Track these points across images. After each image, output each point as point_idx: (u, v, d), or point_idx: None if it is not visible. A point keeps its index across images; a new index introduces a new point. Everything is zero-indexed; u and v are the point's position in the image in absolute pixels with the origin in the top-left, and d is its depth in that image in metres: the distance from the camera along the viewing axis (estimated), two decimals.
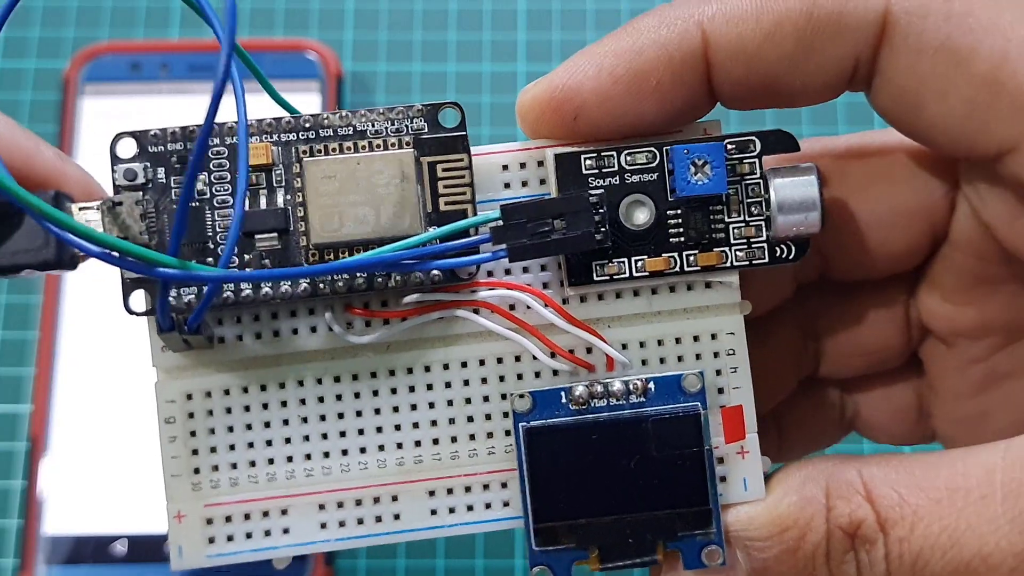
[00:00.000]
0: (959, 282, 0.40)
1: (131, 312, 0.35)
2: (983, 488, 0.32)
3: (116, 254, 0.31)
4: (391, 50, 0.73)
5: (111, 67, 0.69)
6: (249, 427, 0.36)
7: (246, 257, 0.35)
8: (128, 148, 0.35)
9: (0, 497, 0.66)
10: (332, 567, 0.64)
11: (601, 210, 0.35)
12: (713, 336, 0.37)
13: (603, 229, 0.35)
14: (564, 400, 0.36)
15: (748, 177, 0.36)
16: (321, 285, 0.35)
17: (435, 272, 0.35)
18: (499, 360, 0.37)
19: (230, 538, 0.36)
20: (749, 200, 0.36)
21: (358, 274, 0.35)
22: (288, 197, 0.35)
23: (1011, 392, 0.41)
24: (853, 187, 0.39)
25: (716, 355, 0.37)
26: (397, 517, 0.36)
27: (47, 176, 0.38)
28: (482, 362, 0.37)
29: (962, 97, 0.34)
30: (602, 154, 0.36)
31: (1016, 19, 0.33)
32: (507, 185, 0.37)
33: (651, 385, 0.36)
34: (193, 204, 0.35)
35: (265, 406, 0.36)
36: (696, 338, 0.37)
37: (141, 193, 0.35)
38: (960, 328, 0.41)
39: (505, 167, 0.37)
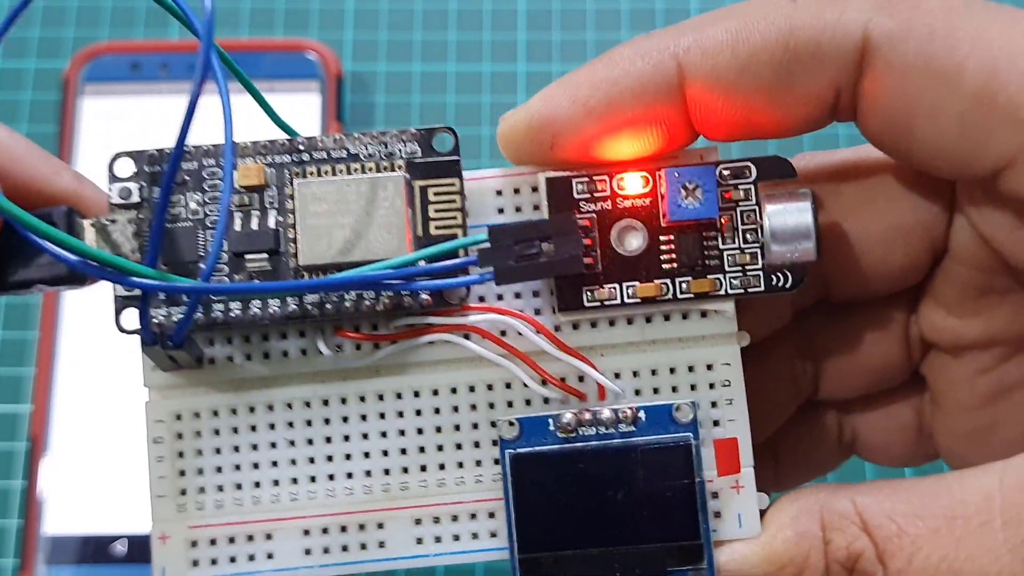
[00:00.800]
0: (963, 295, 0.39)
1: (122, 330, 0.35)
2: (982, 515, 0.31)
3: (95, 264, 0.31)
4: (391, 50, 0.73)
5: (111, 67, 0.70)
6: (237, 449, 0.36)
7: (236, 277, 0.35)
8: (125, 168, 0.35)
9: (0, 497, 0.66)
10: None
11: (593, 234, 0.35)
12: (709, 367, 0.36)
13: (594, 253, 0.35)
14: (552, 427, 0.35)
15: (743, 203, 0.35)
16: (310, 307, 0.35)
17: (424, 297, 0.35)
18: (489, 387, 0.36)
19: (214, 561, 0.36)
20: (744, 227, 0.35)
21: (346, 296, 0.35)
22: (280, 218, 0.35)
23: (1021, 402, 0.39)
24: (850, 206, 0.38)
25: (712, 386, 0.36)
26: (382, 544, 0.36)
27: (64, 199, 0.38)
28: (472, 388, 0.36)
29: (953, 116, 0.33)
30: (594, 178, 0.35)
31: (1002, 31, 0.32)
32: (500, 210, 0.37)
33: (641, 414, 0.35)
34: (185, 224, 0.35)
35: (253, 428, 0.36)
36: (691, 368, 0.36)
37: (136, 212, 0.35)
38: (966, 341, 0.39)
39: (499, 192, 0.37)
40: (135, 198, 0.35)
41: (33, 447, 0.65)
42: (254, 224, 0.35)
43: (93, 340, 0.66)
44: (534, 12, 0.74)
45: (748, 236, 0.35)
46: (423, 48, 0.74)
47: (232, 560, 0.36)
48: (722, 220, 0.35)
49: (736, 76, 0.34)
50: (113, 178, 0.35)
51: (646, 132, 0.35)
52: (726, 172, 0.35)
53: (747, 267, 0.35)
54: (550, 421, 0.35)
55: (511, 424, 0.35)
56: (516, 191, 0.37)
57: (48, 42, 0.75)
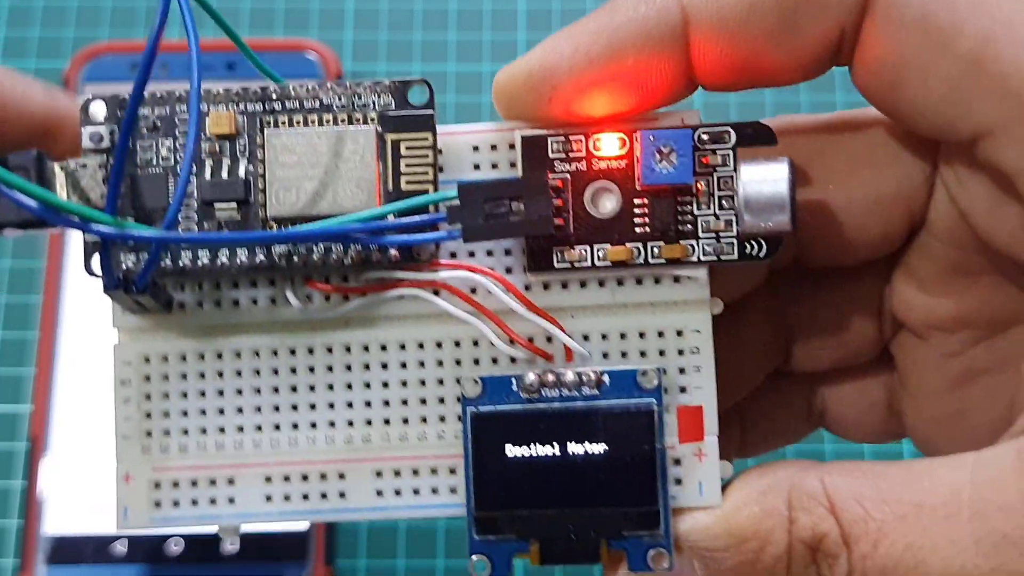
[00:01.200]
0: (936, 271, 0.38)
1: (91, 273, 0.35)
2: (949, 506, 0.31)
3: (56, 211, 0.31)
4: (391, 50, 0.73)
5: (111, 67, 0.70)
6: (203, 394, 0.36)
7: (206, 225, 0.35)
8: (98, 111, 0.35)
9: (0, 497, 0.66)
10: (332, 567, 0.64)
11: (565, 195, 0.35)
12: (679, 333, 0.36)
13: (566, 215, 0.35)
14: (515, 387, 0.35)
15: (720, 169, 0.35)
16: (278, 258, 0.35)
17: (393, 252, 0.35)
18: (456, 344, 0.36)
19: (176, 503, 0.36)
20: (720, 193, 0.35)
21: (314, 248, 0.35)
22: (251, 168, 0.35)
23: (989, 388, 0.38)
24: (832, 170, 0.37)
25: (680, 352, 0.36)
26: (343, 495, 0.36)
27: (39, 117, 0.38)
28: (439, 344, 0.36)
29: (942, 76, 0.32)
30: (570, 138, 0.35)
31: (1004, 1, 0.31)
32: (476, 167, 0.36)
33: (605, 378, 0.35)
34: (155, 171, 0.35)
35: (220, 374, 0.36)
36: (661, 334, 0.36)
37: (106, 157, 0.35)
38: (936, 320, 0.39)
39: (476, 148, 0.36)
40: (106, 143, 0.35)
41: (33, 447, 0.65)
42: (224, 173, 0.35)
43: (93, 340, 0.65)
44: (534, 12, 0.73)
45: (724, 203, 0.35)
46: (423, 48, 0.73)
47: (194, 503, 0.36)
48: (698, 185, 0.34)
49: (742, 19, 0.33)
50: (86, 121, 0.35)
51: (647, 81, 0.35)
52: (705, 136, 0.34)
53: (721, 234, 0.35)
54: (513, 381, 0.35)
55: (475, 382, 0.35)
56: (493, 147, 0.36)
57: (48, 42, 0.75)
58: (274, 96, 0.35)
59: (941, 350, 0.39)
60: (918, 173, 0.37)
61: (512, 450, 0.34)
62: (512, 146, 0.36)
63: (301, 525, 0.64)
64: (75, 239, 0.68)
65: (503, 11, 0.73)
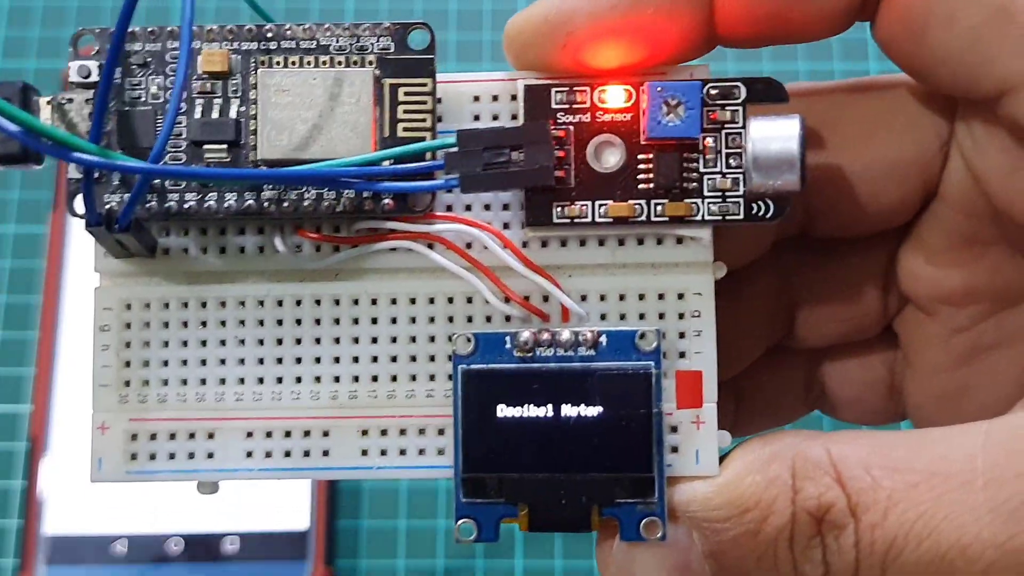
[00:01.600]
0: (946, 242, 0.37)
1: (74, 214, 0.34)
2: (964, 474, 0.29)
3: (37, 137, 0.30)
4: None
5: None
6: (185, 344, 0.35)
7: (194, 166, 0.34)
8: (88, 44, 0.34)
9: (0, 497, 0.66)
10: (332, 567, 0.63)
11: (568, 147, 0.33)
12: (680, 295, 0.34)
13: (567, 167, 0.33)
14: (508, 346, 0.33)
15: (728, 125, 0.33)
16: (267, 203, 0.33)
17: (386, 200, 0.33)
18: (450, 300, 0.35)
19: (153, 456, 0.35)
20: (728, 150, 0.33)
21: (305, 194, 0.33)
22: (242, 109, 0.34)
23: (995, 365, 0.37)
24: (846, 136, 0.36)
25: (681, 316, 0.34)
26: (326, 453, 0.35)
27: None
28: (431, 300, 0.35)
29: (968, 25, 0.31)
30: (574, 88, 0.34)
31: None
32: (477, 117, 0.35)
33: (603, 338, 0.33)
34: (144, 108, 0.34)
35: (204, 324, 0.35)
36: (661, 296, 0.34)
37: (93, 92, 0.34)
38: (944, 294, 0.38)
39: (476, 98, 0.35)
40: (94, 77, 0.34)
41: (33, 447, 0.65)
42: (215, 113, 0.34)
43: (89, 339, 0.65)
44: None
45: (731, 160, 0.33)
46: None
47: (171, 456, 0.35)
48: (704, 141, 0.33)
49: None
50: (74, 55, 0.34)
51: (666, 31, 0.33)
52: (713, 91, 0.33)
53: (727, 193, 0.33)
54: (507, 339, 0.33)
55: (467, 339, 0.34)
56: (494, 98, 0.35)
57: (48, 42, 0.74)
58: (269, 35, 0.34)
59: (948, 325, 0.38)
60: (934, 139, 0.36)
61: (504, 411, 0.33)
62: (514, 97, 0.35)
63: (301, 524, 0.63)
64: (75, 236, 0.68)
65: (503, 11, 0.71)
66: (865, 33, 0.34)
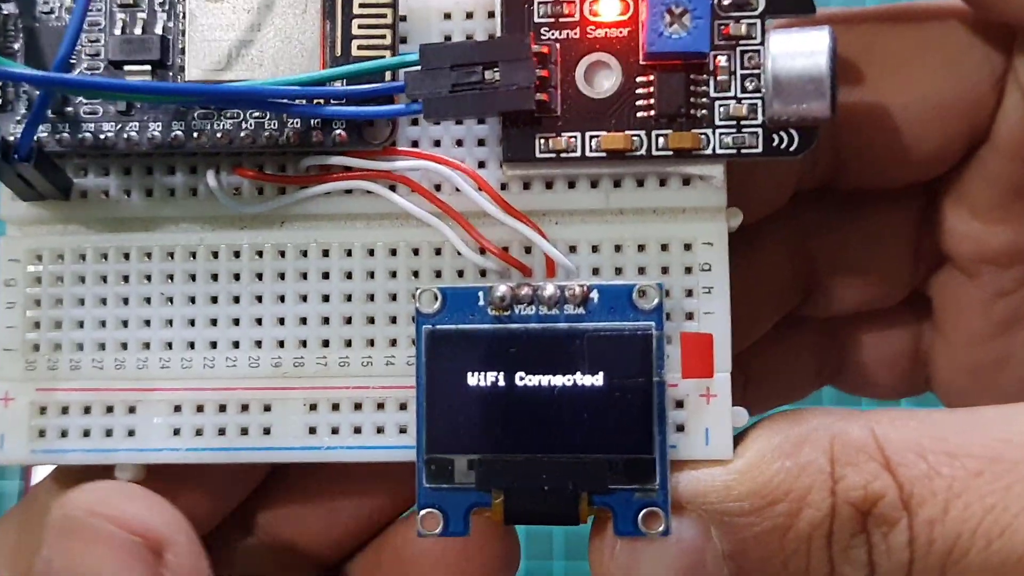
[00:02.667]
0: (994, 195, 0.32)
1: None
2: None
3: None
4: None
5: None
6: (104, 302, 0.30)
7: (106, 79, 0.28)
8: None
9: None
10: None
11: (552, 66, 0.28)
12: (687, 246, 0.29)
13: (552, 90, 0.28)
14: (482, 303, 0.28)
15: (744, 42, 0.28)
16: (196, 134, 0.28)
17: (338, 131, 0.28)
18: (415, 251, 0.30)
19: (64, 433, 0.30)
20: (743, 71, 0.28)
21: (243, 123, 0.28)
22: (169, 24, 0.29)
23: None
24: (884, 69, 0.31)
25: (688, 270, 0.29)
26: (267, 432, 0.29)
27: None
28: (393, 251, 0.30)
29: None
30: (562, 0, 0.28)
31: None
32: (448, 38, 0.30)
33: (594, 294, 0.28)
34: (56, 23, 0.29)
35: (125, 279, 0.30)
36: (664, 247, 0.29)
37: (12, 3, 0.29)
38: (989, 252, 0.33)
39: (447, 16, 0.30)
40: None
41: None
42: (137, 29, 0.29)
43: None
44: None
45: (747, 84, 0.28)
46: None
47: (86, 434, 0.29)
48: (715, 60, 0.28)
49: None
50: None
51: None
52: (726, 1, 0.28)
53: (743, 121, 0.28)
54: (480, 295, 0.28)
55: (434, 296, 0.28)
56: (468, 15, 0.30)
57: None
58: None
59: (989, 288, 0.33)
60: (987, 75, 0.31)
61: (475, 379, 0.28)
62: (492, 14, 0.29)
63: None
64: None
65: None
66: None
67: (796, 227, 0.35)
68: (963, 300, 0.34)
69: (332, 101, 0.28)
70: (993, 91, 0.31)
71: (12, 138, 0.28)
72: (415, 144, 0.30)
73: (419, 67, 0.27)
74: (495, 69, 0.27)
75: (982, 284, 0.34)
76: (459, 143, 0.30)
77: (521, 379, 0.28)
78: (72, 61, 0.29)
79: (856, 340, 0.37)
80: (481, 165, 0.29)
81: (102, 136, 0.28)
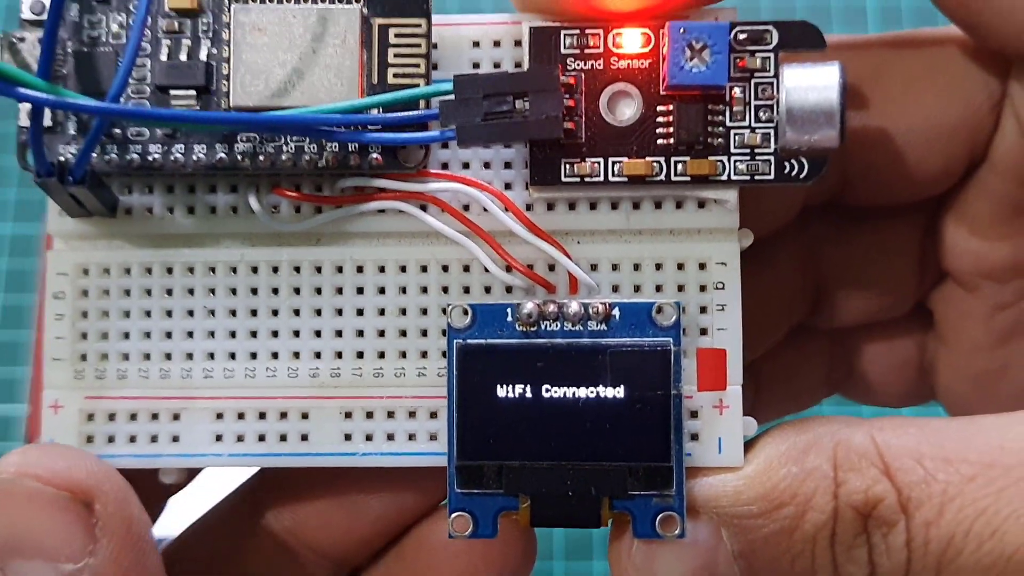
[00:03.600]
0: (993, 213, 0.34)
1: (25, 167, 0.30)
2: None
3: None
4: None
5: None
6: (148, 314, 0.31)
7: (158, 108, 0.30)
8: None
9: None
10: None
11: (578, 96, 0.30)
12: (701, 266, 0.31)
13: (577, 119, 0.30)
14: (510, 319, 0.30)
15: (759, 74, 0.30)
16: (240, 157, 0.30)
17: (374, 156, 0.30)
18: (445, 268, 0.31)
19: (111, 439, 0.31)
20: (757, 102, 0.30)
21: (283, 147, 0.30)
22: (214, 51, 0.30)
23: None
24: (888, 94, 0.33)
25: (703, 288, 0.31)
26: (305, 438, 0.31)
27: None
28: (424, 268, 0.31)
29: None
30: (586, 31, 0.30)
31: None
32: (476, 65, 0.31)
33: (615, 312, 0.30)
34: (104, 49, 0.30)
35: (169, 292, 0.31)
36: (680, 266, 0.31)
37: None
38: (988, 268, 0.35)
39: (476, 43, 0.31)
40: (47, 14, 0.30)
41: None
42: (183, 55, 0.30)
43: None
44: None
45: (761, 113, 0.30)
46: None
47: (132, 440, 0.31)
48: (732, 92, 0.30)
49: None
50: None
51: None
52: (742, 36, 0.30)
53: (756, 150, 0.30)
54: (509, 311, 0.30)
55: (464, 311, 0.30)
56: (496, 43, 0.31)
57: None
58: None
59: (989, 301, 0.35)
60: (985, 99, 0.33)
61: (503, 391, 0.29)
62: (518, 43, 0.31)
63: None
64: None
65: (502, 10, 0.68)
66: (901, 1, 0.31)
67: (805, 241, 0.37)
68: (964, 312, 0.36)
69: (370, 128, 0.29)
70: (991, 115, 0.33)
71: (63, 158, 0.30)
72: (445, 166, 0.31)
73: (453, 96, 0.29)
74: (525, 99, 0.29)
75: (982, 297, 0.35)
76: (487, 165, 0.31)
77: (547, 391, 0.29)
78: None
79: (863, 349, 0.38)
80: (508, 186, 0.31)
81: (149, 158, 0.30)
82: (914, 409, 0.40)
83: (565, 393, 0.29)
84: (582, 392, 0.29)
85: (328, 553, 0.35)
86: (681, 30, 0.29)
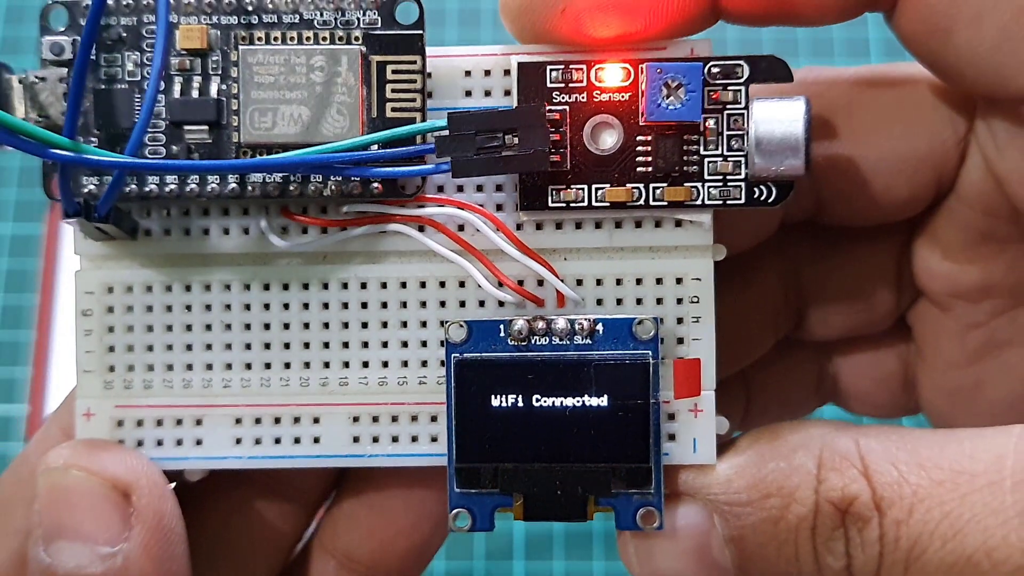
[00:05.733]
0: (962, 239, 0.36)
1: (51, 197, 0.33)
2: (991, 474, 0.29)
3: (12, 133, 0.29)
4: None
5: None
6: (169, 328, 0.34)
7: (174, 148, 0.32)
8: (59, 19, 0.32)
9: None
10: None
11: (563, 129, 0.32)
12: (678, 280, 0.33)
13: (563, 150, 0.32)
14: (503, 334, 0.33)
15: (730, 106, 0.32)
16: (251, 187, 0.32)
17: (375, 184, 0.32)
18: (441, 284, 0.34)
19: (140, 443, 0.34)
20: (729, 132, 0.32)
21: (291, 178, 0.32)
22: (223, 87, 0.32)
23: (1009, 361, 0.37)
24: (859, 126, 0.35)
25: (680, 301, 0.33)
26: (317, 440, 0.34)
27: None
28: (423, 284, 0.34)
29: (997, 24, 0.30)
30: (570, 66, 0.32)
31: None
32: (468, 93, 0.33)
33: (599, 327, 0.33)
34: (121, 86, 0.32)
35: (188, 307, 0.34)
36: (659, 280, 0.33)
37: (67, 70, 0.32)
38: (959, 289, 0.37)
39: (468, 73, 0.33)
40: (68, 54, 0.32)
41: None
42: (194, 92, 0.32)
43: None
44: None
45: (733, 143, 0.32)
46: None
47: (159, 444, 0.34)
48: (706, 124, 0.32)
49: None
50: (45, 30, 0.32)
51: (667, 1, 0.32)
52: (715, 70, 0.32)
53: (728, 177, 0.32)
54: (501, 327, 0.33)
55: (460, 326, 0.33)
56: (486, 73, 0.33)
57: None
58: (250, 8, 0.32)
59: (962, 321, 0.37)
60: (951, 135, 0.35)
61: (497, 400, 0.32)
62: (507, 72, 0.33)
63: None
64: (70, 237, 0.66)
65: None
66: (867, 32, 0.33)
67: (787, 258, 0.39)
68: (939, 330, 0.38)
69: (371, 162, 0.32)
70: (957, 149, 0.35)
71: (87, 189, 0.32)
72: (441, 189, 0.33)
73: (447, 132, 0.31)
74: (515, 134, 0.31)
75: (955, 316, 0.37)
76: (479, 188, 0.33)
77: (537, 400, 0.32)
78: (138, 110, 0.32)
79: (849, 363, 0.41)
80: (499, 208, 0.33)
81: (167, 188, 0.32)
82: (913, 420, 0.42)
83: (554, 402, 0.32)
84: (569, 401, 0.32)
85: (367, 565, 0.37)
86: (658, 70, 0.31)
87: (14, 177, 0.68)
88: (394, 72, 0.32)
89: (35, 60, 0.68)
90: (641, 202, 0.32)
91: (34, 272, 0.67)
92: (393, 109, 0.32)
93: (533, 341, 0.33)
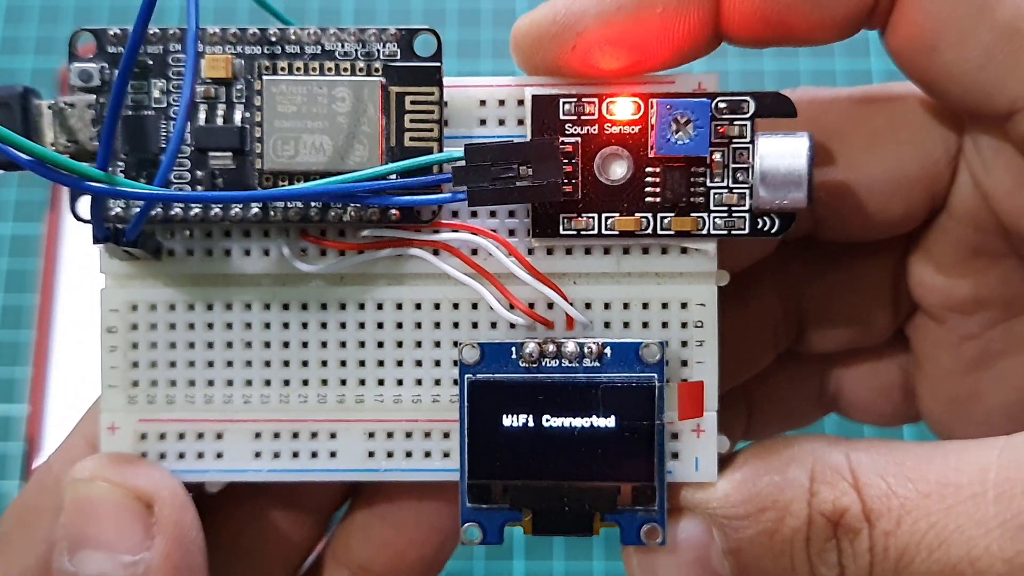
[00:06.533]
0: (955, 254, 0.37)
1: (78, 218, 0.34)
2: (974, 486, 0.30)
3: (48, 167, 0.30)
4: None
5: None
6: (191, 345, 0.35)
7: (198, 174, 0.33)
8: (87, 46, 0.33)
9: None
10: None
11: (575, 160, 0.33)
12: (683, 305, 0.35)
13: (575, 181, 0.33)
14: (514, 356, 0.34)
15: (736, 140, 0.33)
16: (273, 213, 0.33)
17: (393, 211, 0.33)
18: (455, 306, 0.35)
19: (163, 456, 0.35)
20: (735, 165, 0.33)
21: (312, 204, 0.33)
22: (247, 115, 0.33)
23: (1004, 371, 0.38)
24: (853, 147, 0.36)
25: (684, 325, 0.35)
26: (333, 455, 0.35)
27: None
28: (437, 306, 0.35)
29: (980, 44, 0.31)
30: (583, 99, 0.33)
31: None
32: (483, 122, 0.35)
33: (607, 351, 0.34)
34: (148, 113, 0.33)
35: (210, 326, 0.35)
36: (665, 305, 0.35)
37: (95, 97, 0.33)
38: (953, 302, 0.38)
39: (483, 103, 0.35)
40: (95, 81, 0.33)
41: (29, 448, 0.64)
42: (219, 119, 0.33)
43: (88, 340, 0.63)
44: None
45: (738, 175, 0.33)
46: None
47: (181, 456, 0.35)
48: (712, 157, 0.33)
49: None
50: (73, 57, 0.33)
51: (674, 31, 0.33)
52: (722, 105, 0.33)
53: (733, 208, 0.33)
54: (513, 350, 0.34)
55: (473, 348, 0.34)
56: (501, 103, 0.35)
57: (45, 41, 0.73)
58: (273, 39, 0.33)
59: (958, 332, 0.38)
60: (942, 153, 0.36)
61: (509, 420, 0.34)
62: (521, 102, 0.34)
63: None
64: (71, 236, 0.67)
65: (503, 10, 0.69)
66: (869, 63, 0.34)
67: (786, 274, 0.40)
68: (935, 342, 0.39)
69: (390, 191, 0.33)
70: (948, 166, 0.36)
71: (113, 212, 0.33)
72: (455, 214, 0.35)
73: (464, 162, 0.33)
74: (529, 166, 0.33)
75: (950, 328, 0.39)
76: (492, 215, 0.35)
77: (547, 421, 0.34)
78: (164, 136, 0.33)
79: (850, 374, 0.42)
80: (511, 233, 0.35)
81: (191, 213, 0.33)
82: (915, 428, 0.43)
83: (563, 422, 0.34)
84: (578, 422, 0.34)
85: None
86: (668, 106, 0.33)
87: (14, 177, 0.69)
88: (412, 103, 0.33)
89: (35, 60, 0.69)
90: (649, 231, 0.34)
91: (34, 272, 0.68)
92: (411, 139, 0.33)
93: (544, 363, 0.34)
